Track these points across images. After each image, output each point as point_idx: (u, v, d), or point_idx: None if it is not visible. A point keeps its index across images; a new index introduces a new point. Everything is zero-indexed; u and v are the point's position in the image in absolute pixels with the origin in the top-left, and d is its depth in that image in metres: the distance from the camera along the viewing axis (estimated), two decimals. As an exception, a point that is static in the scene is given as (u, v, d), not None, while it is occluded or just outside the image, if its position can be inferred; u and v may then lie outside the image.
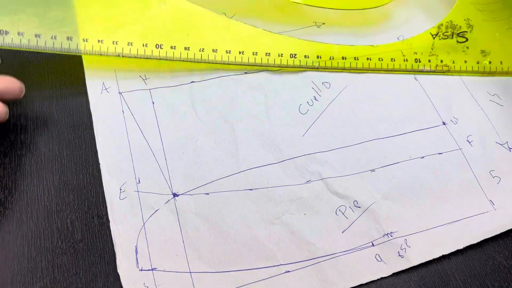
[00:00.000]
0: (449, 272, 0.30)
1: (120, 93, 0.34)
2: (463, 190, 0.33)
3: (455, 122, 0.36)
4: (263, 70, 0.36)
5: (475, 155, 0.34)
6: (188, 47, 0.34)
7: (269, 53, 0.36)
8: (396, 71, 0.38)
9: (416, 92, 0.37)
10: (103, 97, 0.34)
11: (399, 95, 0.37)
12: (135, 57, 0.33)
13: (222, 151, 0.32)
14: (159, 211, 0.30)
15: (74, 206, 0.30)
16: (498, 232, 0.31)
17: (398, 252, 0.30)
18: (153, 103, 0.34)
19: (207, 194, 0.31)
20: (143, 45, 0.33)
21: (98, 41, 0.32)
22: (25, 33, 0.30)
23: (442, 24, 0.39)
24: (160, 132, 0.33)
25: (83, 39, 0.32)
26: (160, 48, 0.34)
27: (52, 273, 0.28)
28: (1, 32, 0.29)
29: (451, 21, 0.39)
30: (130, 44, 0.33)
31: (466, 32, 0.39)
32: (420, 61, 0.38)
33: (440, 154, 0.34)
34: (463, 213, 0.32)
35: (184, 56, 0.34)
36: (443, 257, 0.30)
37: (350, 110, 0.35)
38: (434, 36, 0.38)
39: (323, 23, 0.40)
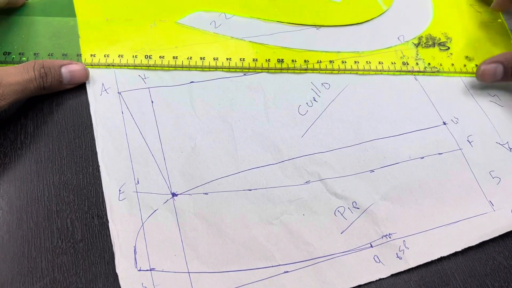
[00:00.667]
0: (449, 272, 0.30)
1: (119, 93, 0.34)
2: (462, 191, 0.33)
3: (455, 122, 0.36)
4: (262, 71, 0.37)
5: (475, 155, 0.34)
6: (176, 56, 0.36)
7: (256, 59, 0.37)
8: (385, 71, 0.38)
9: (416, 92, 0.37)
10: (103, 99, 0.34)
11: (399, 95, 0.37)
12: (125, 65, 0.35)
13: (221, 151, 0.33)
14: (158, 211, 0.30)
15: (74, 206, 0.30)
16: (497, 234, 0.31)
17: (397, 253, 0.30)
18: (152, 102, 0.34)
19: (206, 194, 0.31)
20: (133, 56, 0.36)
21: (91, 55, 0.36)
22: (40, 54, 0.36)
23: (422, 36, 0.40)
24: (158, 131, 0.33)
25: (77, 54, 0.36)
26: (149, 58, 0.36)
27: (52, 273, 0.28)
28: (20, 54, 0.35)
29: (430, 34, 0.40)
30: (120, 56, 0.36)
31: (446, 42, 0.40)
32: (408, 64, 0.38)
33: (440, 154, 0.34)
34: (462, 214, 0.32)
35: (172, 63, 0.36)
36: (443, 257, 0.30)
37: (349, 111, 0.35)
38: (416, 45, 0.40)
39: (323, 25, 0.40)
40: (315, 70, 0.37)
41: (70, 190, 0.30)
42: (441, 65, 0.38)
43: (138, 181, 0.31)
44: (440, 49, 0.40)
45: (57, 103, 0.34)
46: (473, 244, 0.30)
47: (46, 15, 0.37)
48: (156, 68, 0.36)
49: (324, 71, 0.37)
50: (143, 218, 0.29)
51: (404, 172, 0.33)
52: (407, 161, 0.33)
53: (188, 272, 0.28)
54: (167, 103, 0.34)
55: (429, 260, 0.30)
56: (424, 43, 0.40)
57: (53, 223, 0.29)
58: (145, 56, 0.36)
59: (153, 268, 0.28)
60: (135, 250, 0.28)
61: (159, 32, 0.37)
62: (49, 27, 0.37)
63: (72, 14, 0.38)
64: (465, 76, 0.38)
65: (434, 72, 0.38)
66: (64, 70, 0.33)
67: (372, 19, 0.41)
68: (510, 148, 0.35)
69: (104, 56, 0.36)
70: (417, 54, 0.39)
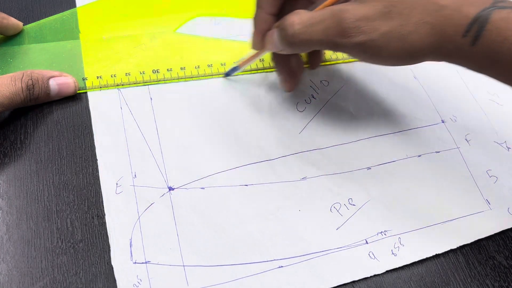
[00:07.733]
0: (449, 272, 0.30)
1: (118, 89, 0.34)
2: (459, 189, 0.32)
3: (454, 120, 0.36)
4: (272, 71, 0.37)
5: (473, 154, 0.34)
6: (184, 67, 0.36)
7: (263, 59, 0.37)
8: None
9: (415, 90, 0.37)
10: (102, 94, 0.34)
11: (397, 93, 0.37)
12: (134, 83, 0.35)
13: (219, 147, 0.33)
14: (154, 205, 0.30)
15: (74, 206, 0.30)
16: (492, 232, 0.31)
17: (392, 250, 0.30)
18: (151, 99, 0.34)
19: (203, 188, 0.31)
20: (141, 73, 0.35)
21: (97, 77, 0.35)
22: None
23: None
24: (157, 127, 0.33)
25: (83, 78, 0.35)
26: (157, 72, 0.35)
27: (52, 273, 0.28)
28: None
29: None
30: (128, 74, 0.35)
31: None
32: None
33: (438, 153, 0.34)
34: (459, 213, 0.32)
35: (181, 74, 0.36)
36: (443, 257, 0.30)
37: (347, 108, 0.35)
38: None
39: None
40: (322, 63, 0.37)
41: (70, 190, 0.30)
42: None
43: (135, 175, 0.31)
44: None
45: (57, 103, 0.34)
46: (469, 242, 0.30)
47: (40, 42, 0.36)
48: (166, 82, 0.35)
49: (329, 63, 0.38)
50: (139, 212, 0.30)
51: (401, 170, 0.33)
52: (404, 159, 0.33)
53: (183, 266, 0.28)
54: (166, 99, 0.34)
55: (424, 257, 0.30)
56: None
57: (53, 223, 0.29)
58: (153, 70, 0.35)
59: (149, 261, 0.28)
60: (131, 243, 0.29)
61: (161, 44, 0.37)
62: (45, 53, 0.35)
63: (67, 37, 0.36)
64: None
65: None
66: (52, 82, 0.32)
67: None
68: (508, 148, 0.35)
69: (111, 76, 0.35)
70: None
